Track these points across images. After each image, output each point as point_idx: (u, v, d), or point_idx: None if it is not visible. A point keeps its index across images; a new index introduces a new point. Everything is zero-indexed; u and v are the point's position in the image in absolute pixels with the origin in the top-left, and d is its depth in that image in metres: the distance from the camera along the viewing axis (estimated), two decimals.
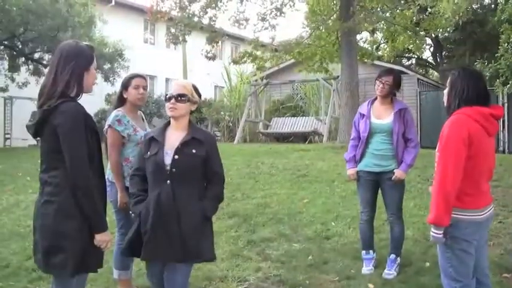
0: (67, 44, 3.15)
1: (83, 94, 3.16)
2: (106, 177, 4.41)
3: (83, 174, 2.94)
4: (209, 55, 13.97)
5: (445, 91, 3.49)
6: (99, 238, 3.00)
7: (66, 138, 2.93)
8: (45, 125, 2.99)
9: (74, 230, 2.94)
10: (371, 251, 5.34)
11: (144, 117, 4.84)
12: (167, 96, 3.59)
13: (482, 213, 3.32)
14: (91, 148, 3.04)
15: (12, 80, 19.75)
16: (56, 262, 2.98)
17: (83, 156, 2.96)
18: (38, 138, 3.14)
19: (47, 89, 3.04)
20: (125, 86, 4.56)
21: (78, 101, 3.10)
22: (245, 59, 14.54)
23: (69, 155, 2.92)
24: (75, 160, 2.93)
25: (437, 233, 3.21)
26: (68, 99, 2.98)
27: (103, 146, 3.61)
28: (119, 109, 4.53)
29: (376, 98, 5.35)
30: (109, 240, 3.07)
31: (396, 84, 5.25)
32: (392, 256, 5.21)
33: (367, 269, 5.21)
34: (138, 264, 5.39)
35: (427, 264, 5.33)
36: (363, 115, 5.28)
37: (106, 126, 4.47)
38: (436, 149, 3.37)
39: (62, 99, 2.96)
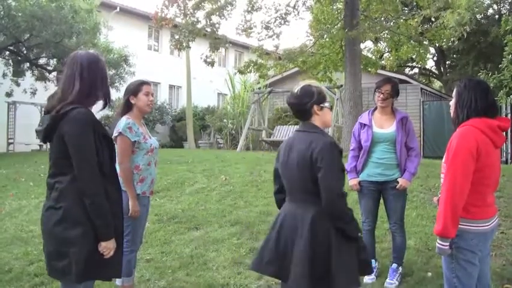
0: (83, 54, 3.17)
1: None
2: None
3: (91, 181, 2.94)
4: (208, 60, 13.96)
5: (452, 102, 3.47)
6: (105, 245, 3.00)
7: (74, 145, 2.94)
8: (54, 131, 3.00)
9: (78, 237, 2.93)
10: (373, 260, 5.33)
11: (144, 124, 4.84)
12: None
13: (488, 224, 3.32)
14: (101, 156, 3.04)
15: (18, 84, 19.84)
16: (59, 268, 2.98)
17: (91, 164, 2.96)
18: (41, 144, 3.17)
19: (58, 96, 3.07)
20: (134, 92, 4.54)
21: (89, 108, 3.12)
22: (250, 68, 14.54)
23: (77, 162, 2.93)
24: (83, 167, 2.94)
25: (443, 245, 3.21)
26: (78, 106, 2.99)
27: None
28: (128, 116, 4.51)
29: (375, 108, 5.37)
30: (113, 248, 3.05)
31: (395, 93, 5.27)
32: (394, 266, 5.21)
33: (368, 278, 5.19)
34: (140, 271, 5.42)
35: (429, 274, 5.32)
36: (364, 125, 5.28)
37: (116, 134, 4.43)
38: (443, 160, 3.37)
39: (73, 105, 2.98)
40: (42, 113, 3.21)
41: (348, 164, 5.40)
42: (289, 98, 3.41)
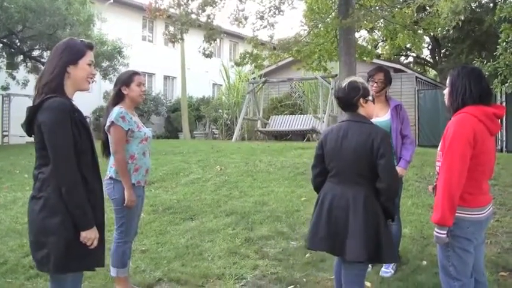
0: (60, 41, 3.15)
1: (80, 91, 3.14)
2: (109, 175, 4.42)
3: (66, 170, 2.89)
4: (206, 52, 13.91)
5: (446, 91, 3.46)
6: (85, 235, 2.93)
7: (48, 134, 2.89)
8: (33, 123, 2.98)
9: (57, 225, 2.88)
10: None
11: (136, 114, 4.80)
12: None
13: (483, 211, 3.32)
14: (79, 144, 2.98)
15: (13, 78, 19.70)
16: (39, 258, 2.95)
17: (65, 153, 2.90)
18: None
19: (36, 86, 3.05)
20: (127, 82, 4.51)
21: (71, 97, 3.07)
22: (247, 59, 14.49)
23: (51, 151, 2.89)
24: (57, 156, 2.89)
25: (441, 233, 3.21)
26: (54, 95, 2.94)
27: (99, 143, 3.55)
28: (121, 106, 4.49)
29: None
30: (95, 237, 2.98)
31: (388, 81, 5.25)
32: None
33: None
34: (136, 262, 5.41)
35: (424, 262, 5.34)
36: None
37: (108, 123, 4.41)
38: (439, 148, 3.36)
39: (49, 95, 2.94)
40: None
41: None
42: (337, 92, 3.87)
